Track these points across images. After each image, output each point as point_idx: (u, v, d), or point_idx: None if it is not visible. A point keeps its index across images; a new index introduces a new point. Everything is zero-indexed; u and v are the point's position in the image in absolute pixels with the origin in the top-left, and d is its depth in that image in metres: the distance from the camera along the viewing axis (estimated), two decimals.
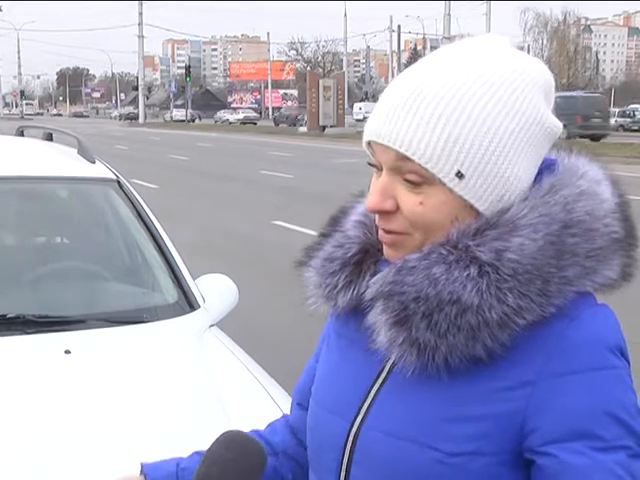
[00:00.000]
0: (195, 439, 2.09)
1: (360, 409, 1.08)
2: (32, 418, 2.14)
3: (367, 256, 1.12)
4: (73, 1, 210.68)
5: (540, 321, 0.97)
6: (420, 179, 0.99)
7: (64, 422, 2.12)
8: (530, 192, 1.01)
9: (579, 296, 0.99)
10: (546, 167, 1.05)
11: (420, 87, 0.99)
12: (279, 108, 75.02)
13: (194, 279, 3.04)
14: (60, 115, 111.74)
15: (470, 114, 0.98)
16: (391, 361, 1.07)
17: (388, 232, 1.04)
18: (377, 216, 1.05)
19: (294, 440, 1.30)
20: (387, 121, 1.00)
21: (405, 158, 0.99)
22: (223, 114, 69.56)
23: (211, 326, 2.83)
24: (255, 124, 62.05)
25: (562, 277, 0.98)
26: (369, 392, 1.08)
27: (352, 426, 1.08)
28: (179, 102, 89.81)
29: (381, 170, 1.03)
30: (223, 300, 3.05)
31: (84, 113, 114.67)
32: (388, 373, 1.07)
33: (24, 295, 2.90)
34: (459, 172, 0.98)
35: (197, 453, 1.28)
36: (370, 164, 1.06)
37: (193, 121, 68.34)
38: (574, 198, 1.01)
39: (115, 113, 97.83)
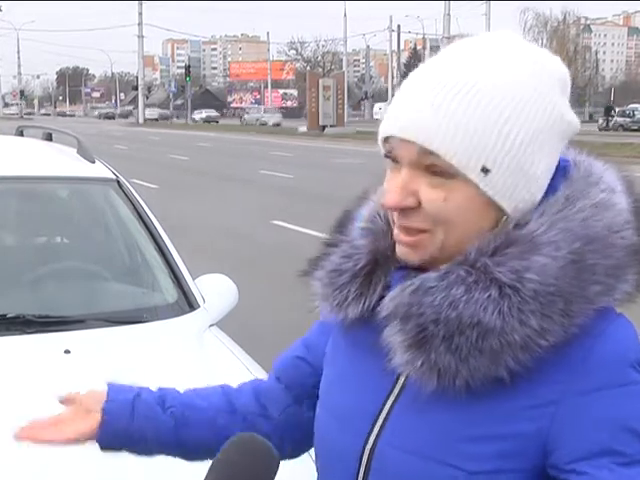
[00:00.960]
0: None
1: (374, 424, 1.06)
2: (31, 418, 2.13)
3: (377, 266, 1.08)
4: (73, 1, 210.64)
5: (562, 341, 0.95)
6: (444, 173, 0.96)
7: None
8: (546, 206, 0.99)
9: (600, 311, 0.97)
10: (561, 169, 1.03)
11: (444, 81, 0.97)
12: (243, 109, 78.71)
13: (194, 279, 3.04)
14: (48, 115, 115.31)
15: (495, 108, 0.95)
16: (404, 377, 1.05)
17: (408, 231, 1.01)
18: (395, 214, 1.01)
19: (257, 407, 1.29)
20: (409, 115, 0.97)
21: (428, 153, 0.96)
22: (194, 115, 75.04)
23: (211, 326, 2.83)
24: (217, 122, 66.55)
25: (583, 296, 0.96)
26: (383, 406, 1.06)
27: (367, 442, 1.06)
28: (179, 102, 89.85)
29: (397, 165, 1.00)
30: (223, 300, 3.05)
31: (67, 112, 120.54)
32: (402, 387, 1.05)
33: (24, 295, 2.90)
34: (484, 167, 0.95)
35: (160, 389, 1.32)
36: (387, 156, 1.02)
37: (167, 119, 74.05)
38: (591, 212, 0.98)
39: (96, 113, 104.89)
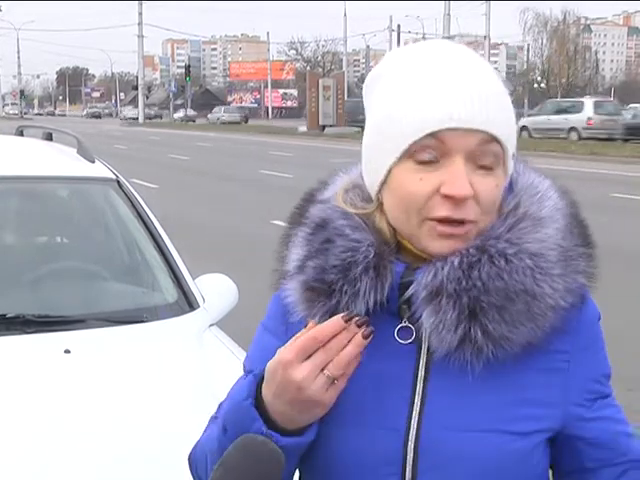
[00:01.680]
0: (194, 439, 2.09)
1: (410, 414, 1.05)
2: (32, 418, 2.14)
3: (380, 258, 1.07)
4: (73, 1, 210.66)
5: (576, 301, 1.07)
6: (495, 162, 1.04)
7: (64, 422, 2.12)
8: (519, 191, 1.09)
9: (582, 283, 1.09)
10: None
11: (482, 77, 1.05)
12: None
13: (194, 279, 3.04)
14: (40, 114, 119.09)
15: (507, 96, 1.08)
16: (423, 362, 1.06)
17: (456, 224, 1.03)
18: (449, 209, 1.01)
19: None
20: (472, 108, 1.01)
21: (488, 141, 1.02)
22: (174, 115, 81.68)
23: (211, 326, 2.84)
24: (194, 121, 70.82)
25: (580, 263, 1.07)
26: (413, 396, 1.06)
27: (408, 433, 1.05)
28: (179, 102, 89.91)
29: (436, 161, 1.02)
30: (223, 300, 3.05)
31: (57, 112, 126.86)
32: (426, 374, 1.06)
33: (24, 295, 2.90)
34: (514, 153, 1.08)
35: None
36: (424, 160, 1.02)
37: (150, 119, 79.66)
38: (553, 194, 1.11)
39: (84, 112, 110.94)
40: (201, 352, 2.64)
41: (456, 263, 1.03)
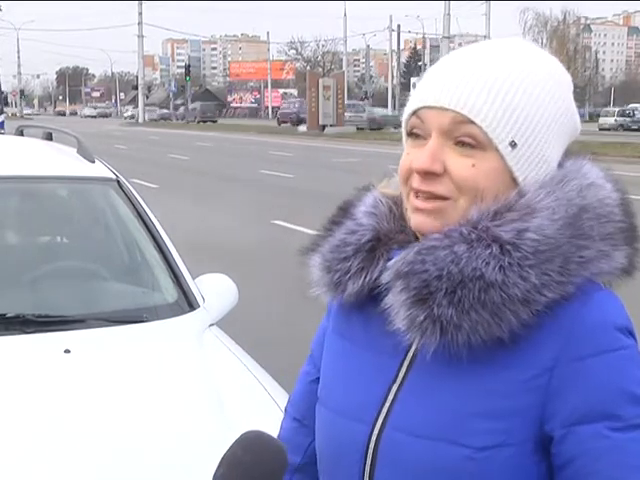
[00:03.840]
0: (194, 439, 2.10)
1: (380, 410, 1.07)
2: (32, 418, 2.14)
3: (380, 244, 1.12)
4: (73, 1, 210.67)
5: (558, 302, 0.99)
6: (474, 143, 1.02)
7: (64, 422, 2.12)
8: (544, 181, 1.05)
9: (590, 281, 1.02)
10: None
11: (481, 61, 1.05)
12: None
13: (194, 279, 3.04)
14: (30, 114, 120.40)
15: (527, 88, 1.03)
16: (408, 360, 1.07)
17: (427, 198, 1.04)
18: (416, 180, 1.05)
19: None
20: (448, 87, 1.03)
21: (462, 122, 1.02)
22: (126, 113, 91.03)
23: (211, 325, 2.84)
24: (133, 118, 78.07)
25: (580, 257, 1.01)
26: (388, 393, 1.07)
27: (373, 429, 1.07)
28: (179, 101, 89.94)
29: (424, 138, 1.05)
30: (223, 299, 3.05)
31: (34, 112, 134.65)
32: (406, 373, 1.07)
33: (24, 294, 2.90)
34: (513, 141, 1.02)
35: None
36: (412, 133, 1.07)
37: (106, 117, 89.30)
38: (587, 187, 1.05)
39: (55, 110, 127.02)
40: (201, 352, 2.64)
41: (416, 248, 1.04)
